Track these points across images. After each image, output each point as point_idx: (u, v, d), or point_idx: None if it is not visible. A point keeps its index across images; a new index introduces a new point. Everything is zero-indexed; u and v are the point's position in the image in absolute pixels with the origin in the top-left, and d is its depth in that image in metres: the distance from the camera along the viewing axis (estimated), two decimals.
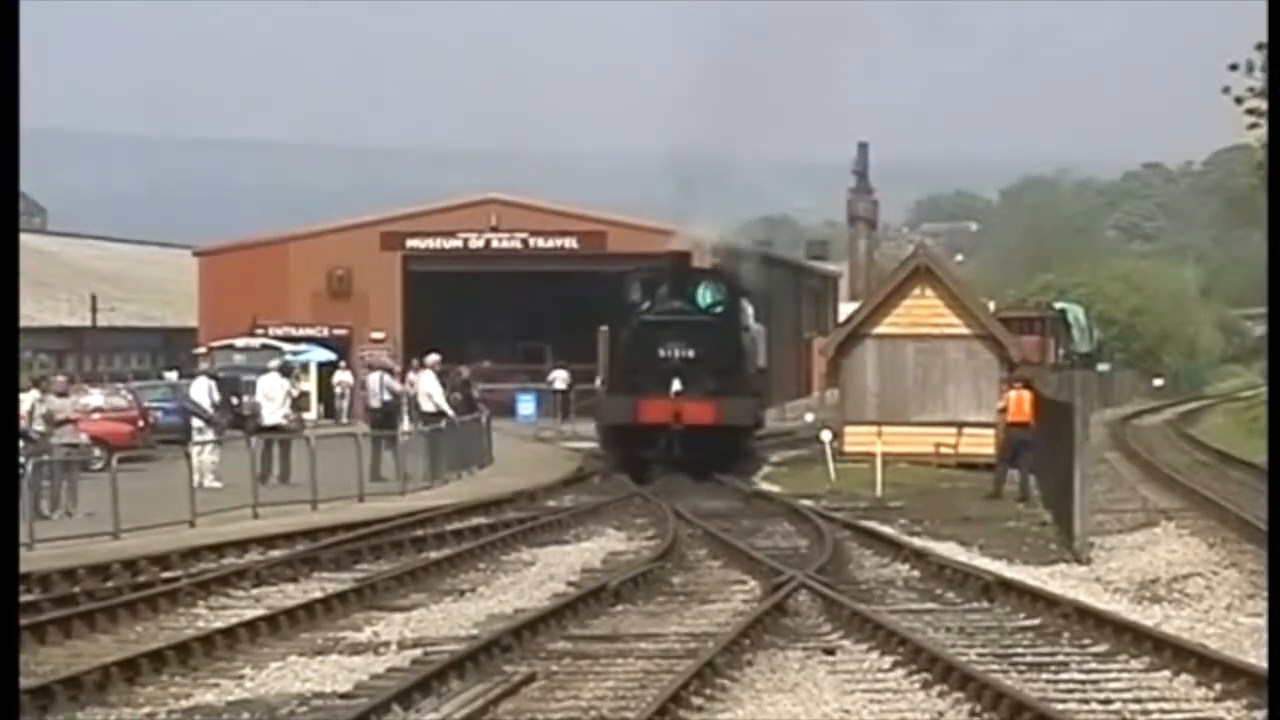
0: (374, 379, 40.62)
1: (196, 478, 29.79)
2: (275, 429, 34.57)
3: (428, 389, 38.75)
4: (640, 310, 40.71)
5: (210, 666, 16.89)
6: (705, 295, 41.11)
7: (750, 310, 43.93)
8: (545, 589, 21.86)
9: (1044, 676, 16.07)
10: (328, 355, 68.90)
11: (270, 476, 32.89)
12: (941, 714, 14.69)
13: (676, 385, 38.82)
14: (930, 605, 20.50)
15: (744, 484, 36.93)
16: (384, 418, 38.67)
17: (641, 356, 39.77)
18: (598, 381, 45.19)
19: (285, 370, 37.35)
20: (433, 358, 39.99)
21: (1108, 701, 15.03)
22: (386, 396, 39.41)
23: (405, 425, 38.46)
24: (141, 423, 41.18)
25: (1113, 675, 16.11)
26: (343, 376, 66.79)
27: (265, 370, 37.41)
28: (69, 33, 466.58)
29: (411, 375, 41.72)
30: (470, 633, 18.45)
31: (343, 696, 15.43)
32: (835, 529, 27.37)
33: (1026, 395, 35.15)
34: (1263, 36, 38.06)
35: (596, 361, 45.03)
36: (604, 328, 42.34)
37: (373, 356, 58.06)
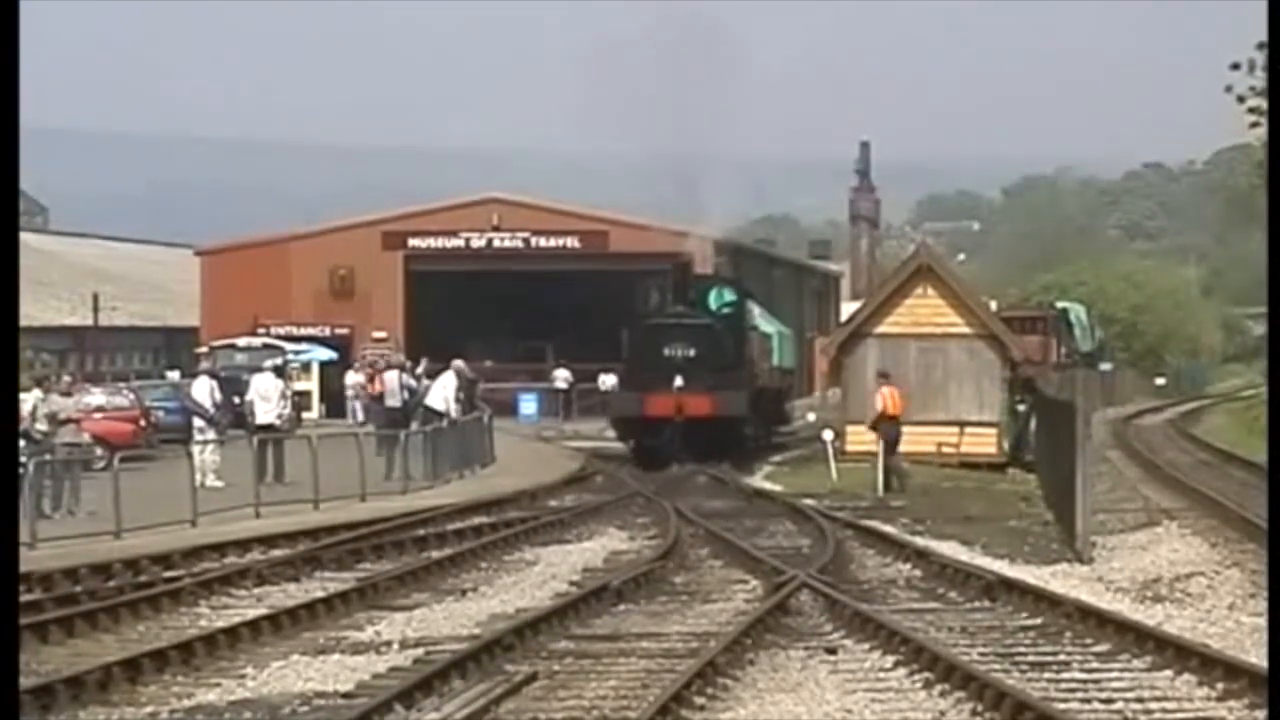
0: (392, 377, 40.73)
1: (198, 477, 29.78)
2: (269, 428, 34.61)
3: (442, 386, 38.98)
4: (648, 314, 44.50)
5: (212, 666, 16.88)
6: (709, 299, 44.61)
7: (756, 311, 46.21)
8: (547, 588, 21.86)
9: (1046, 676, 16.06)
10: (329, 355, 68.85)
11: (266, 476, 32.87)
12: (943, 713, 14.67)
13: (678, 381, 41.80)
14: (932, 605, 20.51)
15: (746, 483, 37.23)
16: (403, 417, 38.79)
17: (648, 356, 43.02)
18: (603, 380, 46.99)
19: (278, 371, 37.57)
20: (458, 363, 41.10)
21: (1110, 701, 15.02)
22: (406, 395, 39.69)
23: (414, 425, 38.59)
24: (143, 422, 41.18)
25: (1115, 675, 16.10)
26: (356, 377, 66.72)
27: (259, 369, 37.56)
28: (69, 33, 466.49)
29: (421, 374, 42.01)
30: (472, 632, 18.44)
31: (345, 696, 15.43)
32: (837, 528, 27.38)
33: (897, 391, 36.64)
34: (1263, 36, 38.14)
35: (597, 360, 48.96)
36: (626, 330, 45.58)
37: (387, 355, 57.83)
